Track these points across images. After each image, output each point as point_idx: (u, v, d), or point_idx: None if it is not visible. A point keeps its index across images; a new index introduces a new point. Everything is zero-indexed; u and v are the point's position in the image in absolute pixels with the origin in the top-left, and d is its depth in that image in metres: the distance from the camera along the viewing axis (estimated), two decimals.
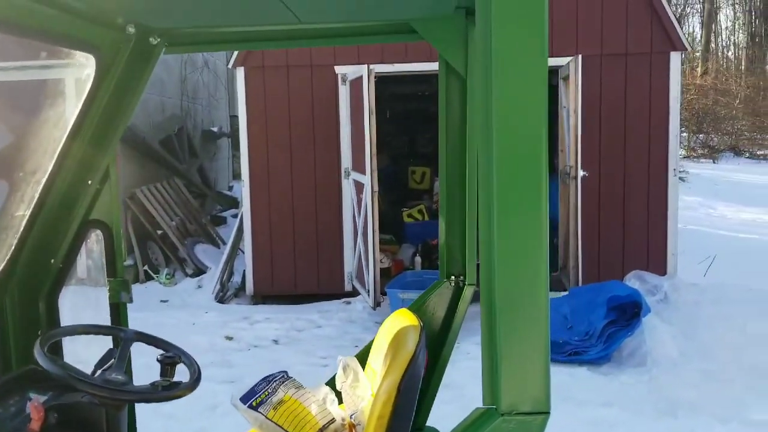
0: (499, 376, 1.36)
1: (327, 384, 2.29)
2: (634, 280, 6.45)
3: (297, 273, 7.80)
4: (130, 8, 2.25)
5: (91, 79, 2.45)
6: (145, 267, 8.62)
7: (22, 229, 2.54)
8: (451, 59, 2.36)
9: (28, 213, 2.55)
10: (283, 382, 2.11)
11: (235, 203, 12.66)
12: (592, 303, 5.31)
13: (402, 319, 2.15)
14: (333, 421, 2.07)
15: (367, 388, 2.11)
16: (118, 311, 2.61)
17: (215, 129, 13.67)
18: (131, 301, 2.62)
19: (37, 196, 2.53)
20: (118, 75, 2.47)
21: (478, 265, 1.58)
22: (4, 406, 2.02)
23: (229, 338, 6.18)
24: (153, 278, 8.50)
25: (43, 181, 2.52)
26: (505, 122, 1.36)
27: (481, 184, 1.44)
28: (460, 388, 3.72)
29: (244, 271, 8.02)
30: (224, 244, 9.87)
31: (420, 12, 2.29)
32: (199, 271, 8.73)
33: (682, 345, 5.57)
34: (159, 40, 2.46)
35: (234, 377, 5.27)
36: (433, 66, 7.24)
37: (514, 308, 1.37)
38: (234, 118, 16.41)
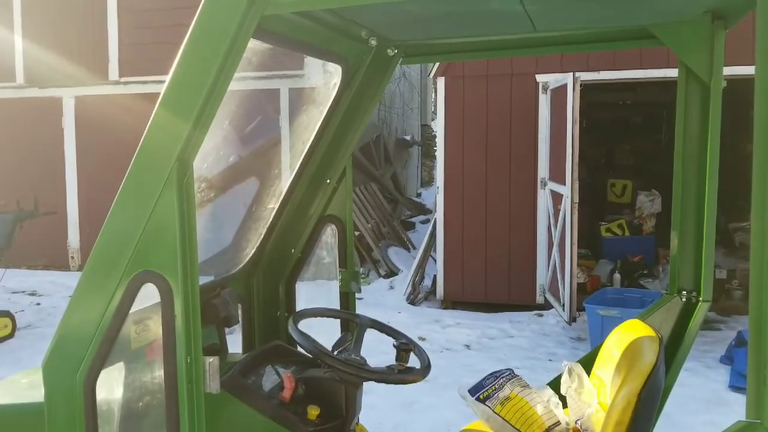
0: (766, 390, 1.30)
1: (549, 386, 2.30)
2: None
3: (488, 281, 7.83)
4: (375, 22, 2.45)
5: (337, 87, 2.71)
6: None
7: (270, 220, 2.87)
8: (694, 64, 2.27)
9: (276, 206, 2.87)
10: (510, 380, 2.16)
11: (423, 210, 13.02)
12: None
13: (636, 329, 2.09)
14: (558, 423, 2.07)
15: (593, 396, 2.09)
16: (347, 299, 2.84)
17: (408, 137, 14.19)
18: (360, 290, 2.83)
19: (284, 192, 2.84)
20: (359, 83, 2.70)
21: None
22: (257, 375, 2.29)
23: (422, 339, 6.38)
24: None
25: (290, 179, 2.83)
26: None
27: (755, 192, 1.38)
28: (667, 416, 3.49)
29: (435, 275, 8.21)
30: (414, 248, 10.20)
31: (663, 18, 2.23)
32: (392, 272, 9.10)
33: None
34: (396, 51, 2.65)
35: (428, 377, 5.42)
36: (644, 74, 7.03)
37: None
38: (425, 127, 16.93)
